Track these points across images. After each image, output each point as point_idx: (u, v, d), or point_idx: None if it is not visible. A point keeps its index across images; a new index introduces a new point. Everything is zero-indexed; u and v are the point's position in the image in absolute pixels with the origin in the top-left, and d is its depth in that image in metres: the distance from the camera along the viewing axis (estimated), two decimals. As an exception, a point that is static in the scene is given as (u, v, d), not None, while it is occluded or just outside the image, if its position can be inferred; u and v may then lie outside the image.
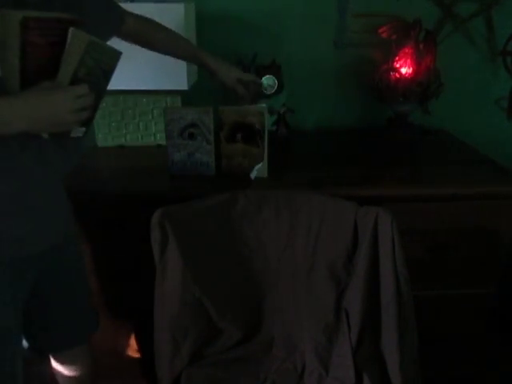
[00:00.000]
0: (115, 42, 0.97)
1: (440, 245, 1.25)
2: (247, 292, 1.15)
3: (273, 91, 1.43)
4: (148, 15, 1.17)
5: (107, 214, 1.19)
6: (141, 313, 1.31)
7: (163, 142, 1.38)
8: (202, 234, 1.10)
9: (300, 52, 1.59)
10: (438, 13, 1.55)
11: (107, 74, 0.85)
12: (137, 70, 1.30)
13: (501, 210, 1.22)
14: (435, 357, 1.40)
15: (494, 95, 1.68)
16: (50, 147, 0.86)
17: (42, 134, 0.80)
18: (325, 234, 1.11)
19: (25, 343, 1.07)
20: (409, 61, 1.44)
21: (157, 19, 1.17)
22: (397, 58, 1.46)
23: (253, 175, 1.21)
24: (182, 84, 1.33)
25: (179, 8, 1.25)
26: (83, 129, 0.85)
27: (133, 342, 1.36)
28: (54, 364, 1.17)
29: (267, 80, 1.41)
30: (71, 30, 0.75)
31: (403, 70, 1.45)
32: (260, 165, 1.22)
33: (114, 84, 1.31)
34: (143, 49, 1.18)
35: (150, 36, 1.17)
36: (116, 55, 0.84)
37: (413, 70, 1.44)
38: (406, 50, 1.45)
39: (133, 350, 1.38)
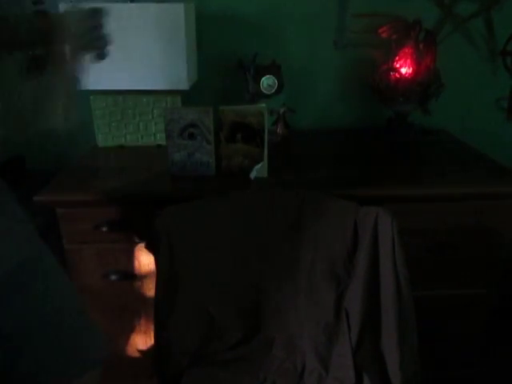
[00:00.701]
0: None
1: (440, 245, 1.25)
2: (247, 292, 1.15)
3: (273, 91, 1.43)
4: (148, 15, 1.17)
5: (107, 214, 1.19)
6: (141, 313, 1.31)
7: (163, 142, 1.38)
8: (202, 234, 1.10)
9: (300, 52, 1.59)
10: (438, 13, 1.56)
11: None
12: (137, 70, 1.30)
13: (501, 210, 1.22)
14: (435, 357, 1.40)
15: (494, 95, 1.68)
16: None
17: None
18: (325, 234, 1.11)
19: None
20: (409, 61, 1.44)
21: (157, 19, 1.17)
22: (397, 58, 1.46)
23: (253, 175, 1.21)
24: (182, 84, 1.33)
25: (179, 8, 1.25)
26: None
27: (133, 341, 1.36)
28: None
29: (267, 80, 1.42)
30: None
31: (403, 70, 1.45)
32: (260, 165, 1.22)
33: (114, 84, 1.33)
34: (143, 49, 1.17)
35: None
36: None
37: (413, 70, 1.44)
38: (406, 50, 1.45)
39: (133, 350, 1.38)
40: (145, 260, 1.24)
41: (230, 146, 1.23)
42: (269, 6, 1.53)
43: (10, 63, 0.78)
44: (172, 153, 1.24)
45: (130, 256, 1.23)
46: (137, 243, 1.22)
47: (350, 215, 1.08)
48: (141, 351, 1.38)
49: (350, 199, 1.10)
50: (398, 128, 1.55)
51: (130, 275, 1.25)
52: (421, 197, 1.21)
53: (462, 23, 1.57)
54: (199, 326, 1.09)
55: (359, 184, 1.22)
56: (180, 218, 1.07)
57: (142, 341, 1.36)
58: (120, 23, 1.26)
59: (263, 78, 1.41)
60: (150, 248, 1.07)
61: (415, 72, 1.44)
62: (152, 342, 1.08)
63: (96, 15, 0.86)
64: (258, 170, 1.21)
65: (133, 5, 1.28)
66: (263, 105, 1.24)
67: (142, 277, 1.26)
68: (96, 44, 0.86)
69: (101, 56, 0.87)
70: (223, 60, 1.56)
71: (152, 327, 1.08)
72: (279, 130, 1.48)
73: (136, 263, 1.24)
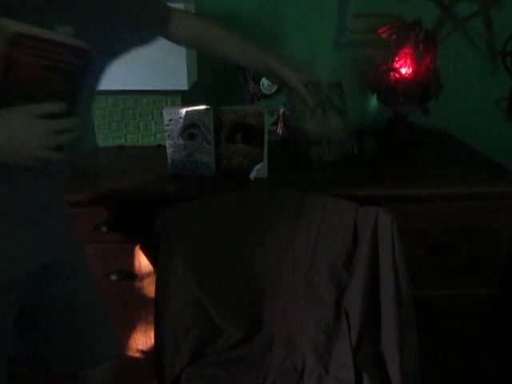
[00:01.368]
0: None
1: (440, 245, 1.25)
2: (247, 292, 1.15)
3: (273, 91, 1.43)
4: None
5: (107, 214, 1.19)
6: (141, 313, 1.31)
7: (163, 142, 1.38)
8: (202, 234, 1.10)
9: (300, 52, 1.59)
10: (438, 13, 1.56)
11: (72, 77, 0.68)
12: (137, 70, 1.30)
13: (501, 210, 1.22)
14: (435, 357, 1.40)
15: (493, 95, 1.68)
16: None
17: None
18: (325, 234, 1.11)
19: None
20: (409, 61, 1.44)
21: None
22: (397, 58, 1.46)
23: (252, 175, 1.21)
24: (182, 84, 1.33)
25: (179, 8, 1.25)
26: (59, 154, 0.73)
27: (133, 341, 1.36)
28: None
29: (267, 80, 1.42)
30: None
31: (403, 70, 1.45)
32: (260, 165, 1.22)
33: (114, 84, 1.33)
34: (143, 49, 1.17)
35: (210, 43, 1.04)
36: (81, 51, 0.66)
37: (413, 70, 1.44)
38: (406, 50, 1.45)
39: (133, 350, 1.38)
40: (145, 260, 1.24)
41: (229, 146, 1.23)
42: (269, 6, 1.53)
43: None
44: (172, 153, 1.24)
45: (130, 256, 1.23)
46: (137, 243, 1.22)
47: (350, 215, 1.08)
48: (141, 351, 1.38)
49: (350, 199, 1.10)
50: (398, 128, 1.55)
51: (130, 275, 1.25)
52: (421, 197, 1.21)
53: (462, 23, 1.57)
54: (199, 325, 1.09)
55: (359, 184, 1.22)
56: (180, 218, 1.07)
57: (141, 341, 1.36)
58: (120, 23, 1.26)
59: (263, 78, 1.41)
60: (150, 248, 1.07)
61: (415, 72, 1.44)
62: (152, 342, 1.08)
63: None
64: (258, 170, 1.21)
65: (133, 5, 1.28)
66: (263, 105, 1.24)
67: (142, 277, 1.26)
68: None
69: None
70: (223, 60, 1.55)
71: (152, 327, 1.08)
72: (279, 130, 1.48)
73: (136, 263, 1.24)
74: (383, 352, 1.05)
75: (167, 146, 1.23)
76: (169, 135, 1.22)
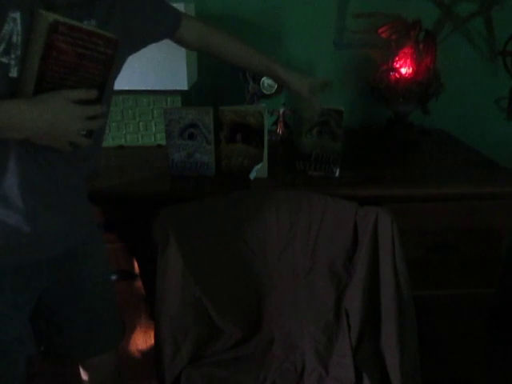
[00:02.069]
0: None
1: (440, 245, 1.25)
2: (247, 292, 1.15)
3: (273, 91, 1.43)
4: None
5: (107, 214, 1.19)
6: (141, 313, 1.31)
7: (163, 142, 1.38)
8: (202, 234, 1.10)
9: (300, 52, 1.59)
10: (438, 13, 1.56)
11: (102, 65, 0.74)
12: (137, 69, 1.30)
13: (501, 210, 1.22)
14: (435, 357, 1.40)
15: (493, 95, 1.68)
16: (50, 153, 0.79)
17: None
18: (325, 234, 1.11)
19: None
20: (409, 61, 1.44)
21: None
22: (397, 58, 1.46)
23: (252, 175, 1.21)
24: (182, 84, 1.33)
25: (179, 8, 1.25)
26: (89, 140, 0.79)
27: (133, 341, 1.36)
28: (81, 369, 1.14)
29: (267, 80, 1.42)
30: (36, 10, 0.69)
31: (403, 70, 1.45)
32: (260, 165, 1.22)
33: (114, 84, 1.33)
34: (143, 49, 1.18)
35: (217, 46, 1.10)
36: (111, 41, 0.73)
37: (413, 70, 1.44)
38: (406, 50, 1.45)
39: (133, 350, 1.38)
40: (144, 260, 1.24)
41: (229, 146, 1.23)
42: (269, 6, 1.52)
43: None
44: (172, 153, 1.24)
45: (130, 256, 1.23)
46: (137, 243, 1.22)
47: (350, 215, 1.08)
48: (141, 351, 1.38)
49: (350, 199, 1.10)
50: (398, 128, 1.55)
51: (130, 275, 1.25)
52: (421, 197, 1.21)
53: (462, 23, 1.57)
54: (199, 325, 1.09)
55: (359, 184, 1.22)
56: (180, 217, 1.07)
57: (141, 341, 1.36)
58: (120, 23, 1.26)
59: (263, 78, 1.41)
60: (150, 248, 1.06)
61: (415, 72, 1.44)
62: (152, 341, 1.08)
63: None
64: (258, 170, 1.21)
65: (133, 5, 1.28)
66: (263, 105, 1.24)
67: (142, 277, 1.26)
68: None
69: None
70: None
71: (152, 327, 1.08)
72: (279, 130, 1.48)
73: (136, 263, 1.24)
74: (383, 352, 1.05)
75: (167, 146, 1.24)
76: (169, 135, 1.22)
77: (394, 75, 1.45)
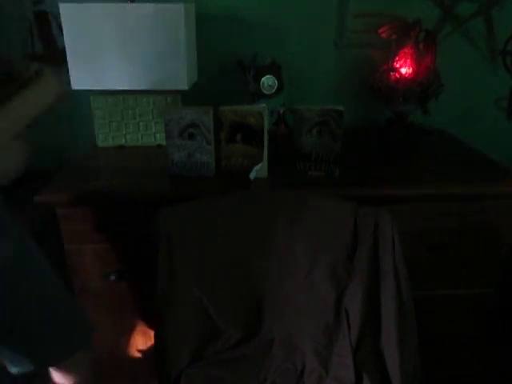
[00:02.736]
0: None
1: (440, 245, 1.25)
2: (247, 292, 1.15)
3: (273, 91, 1.43)
4: (148, 15, 1.17)
5: (107, 214, 1.19)
6: (141, 313, 1.31)
7: (163, 142, 1.38)
8: (202, 234, 1.10)
9: (300, 52, 1.59)
10: (438, 13, 1.56)
11: None
12: (137, 70, 1.30)
13: (501, 210, 1.22)
14: (435, 357, 1.40)
15: (494, 95, 1.68)
16: None
17: None
18: (325, 234, 1.11)
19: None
20: (409, 61, 1.44)
21: (157, 19, 1.17)
22: (397, 58, 1.46)
23: (252, 175, 1.21)
24: (182, 84, 1.33)
25: (179, 8, 1.25)
26: None
27: (133, 341, 1.36)
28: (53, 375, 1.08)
29: (267, 80, 1.42)
30: None
31: (403, 70, 1.45)
32: (260, 165, 1.22)
33: (114, 84, 1.33)
34: (143, 49, 1.18)
35: None
36: None
37: (413, 70, 1.44)
38: (406, 50, 1.45)
39: (133, 350, 1.38)
40: (144, 260, 1.24)
41: (229, 146, 1.23)
42: (269, 6, 1.53)
43: None
44: (172, 153, 1.24)
45: (130, 256, 1.23)
46: (137, 243, 1.22)
47: (350, 215, 1.08)
48: (141, 351, 1.38)
49: (350, 199, 1.10)
50: (398, 128, 1.55)
51: (130, 275, 1.25)
52: (421, 197, 1.21)
53: (462, 23, 1.57)
54: (199, 325, 1.09)
55: (359, 184, 1.22)
56: (180, 217, 1.07)
57: (141, 341, 1.36)
58: (120, 23, 1.26)
59: (263, 78, 1.41)
60: (150, 248, 1.06)
61: (415, 72, 1.44)
62: (152, 342, 1.08)
63: None
64: (258, 171, 1.21)
65: (133, 5, 1.28)
66: (263, 105, 1.24)
67: (142, 277, 1.26)
68: None
69: None
70: (223, 60, 1.56)
71: (151, 327, 1.08)
72: (279, 130, 1.48)
73: (136, 263, 1.24)
74: (383, 352, 1.05)
75: (167, 146, 1.24)
76: (169, 135, 1.22)
77: (394, 75, 1.45)
